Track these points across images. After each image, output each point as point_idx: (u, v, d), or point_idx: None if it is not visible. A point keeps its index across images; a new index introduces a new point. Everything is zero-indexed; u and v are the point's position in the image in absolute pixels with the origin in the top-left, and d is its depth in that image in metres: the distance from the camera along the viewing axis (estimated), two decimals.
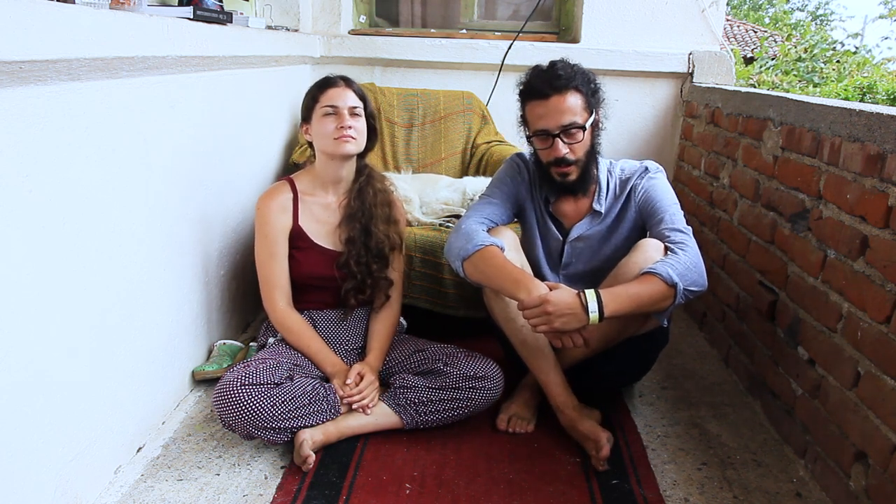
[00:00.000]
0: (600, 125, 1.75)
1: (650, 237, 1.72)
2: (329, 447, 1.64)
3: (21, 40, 1.07)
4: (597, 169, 1.80)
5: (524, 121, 1.74)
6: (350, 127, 1.70)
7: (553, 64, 1.67)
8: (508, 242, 1.74)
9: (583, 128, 1.65)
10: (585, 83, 1.67)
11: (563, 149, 1.66)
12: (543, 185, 1.81)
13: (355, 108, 1.73)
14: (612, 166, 1.83)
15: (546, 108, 1.64)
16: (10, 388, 1.16)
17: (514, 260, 1.72)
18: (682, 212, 1.74)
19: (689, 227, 1.68)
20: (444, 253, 1.79)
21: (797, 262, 1.74)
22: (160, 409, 1.74)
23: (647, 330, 1.75)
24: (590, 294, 1.52)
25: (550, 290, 1.56)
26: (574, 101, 1.64)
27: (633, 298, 1.54)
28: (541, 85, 1.65)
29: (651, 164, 1.82)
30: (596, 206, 1.78)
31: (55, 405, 1.29)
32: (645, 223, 1.77)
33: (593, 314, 1.51)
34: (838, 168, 1.56)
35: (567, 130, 1.64)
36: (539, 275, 1.82)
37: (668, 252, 1.62)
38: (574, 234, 1.81)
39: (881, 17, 21.59)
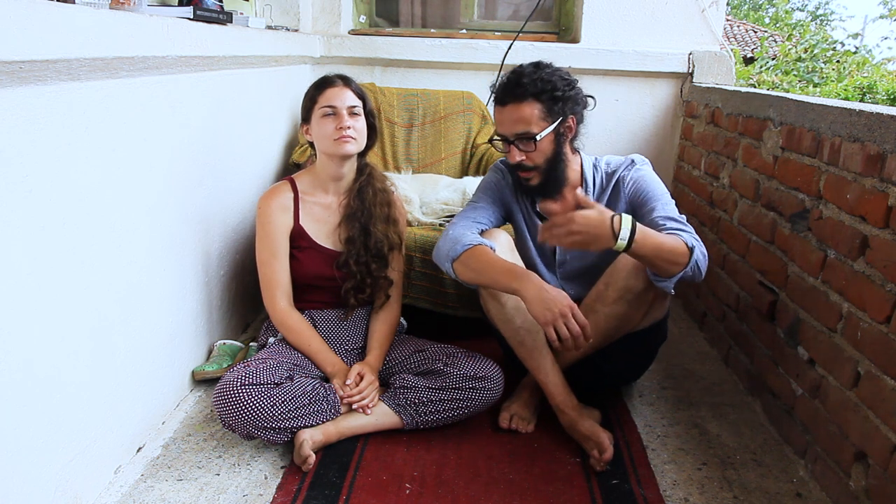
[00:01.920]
0: (571, 130, 1.71)
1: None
2: (329, 447, 1.64)
3: (21, 40, 1.07)
4: (581, 168, 1.79)
5: None
6: (349, 127, 1.70)
7: (520, 71, 1.66)
8: (502, 243, 1.74)
9: (534, 139, 1.64)
10: (548, 91, 1.63)
11: (517, 156, 1.67)
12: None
13: (354, 107, 1.73)
14: (598, 161, 1.83)
15: (502, 115, 1.67)
16: (10, 388, 1.16)
17: (510, 259, 1.72)
18: (673, 201, 1.72)
19: (683, 216, 1.67)
20: (433, 258, 1.78)
21: (797, 262, 1.74)
22: (160, 409, 1.74)
23: (645, 325, 1.75)
24: (625, 219, 1.45)
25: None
26: (529, 111, 1.63)
27: (658, 239, 1.49)
28: (501, 92, 1.67)
29: (637, 157, 1.81)
30: None
31: (55, 405, 1.29)
32: (635, 213, 1.75)
33: (622, 241, 1.44)
34: (838, 168, 1.56)
35: (521, 139, 1.65)
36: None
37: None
38: None
39: (881, 16, 21.59)
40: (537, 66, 1.67)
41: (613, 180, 1.78)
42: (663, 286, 1.63)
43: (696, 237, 1.59)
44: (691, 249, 1.52)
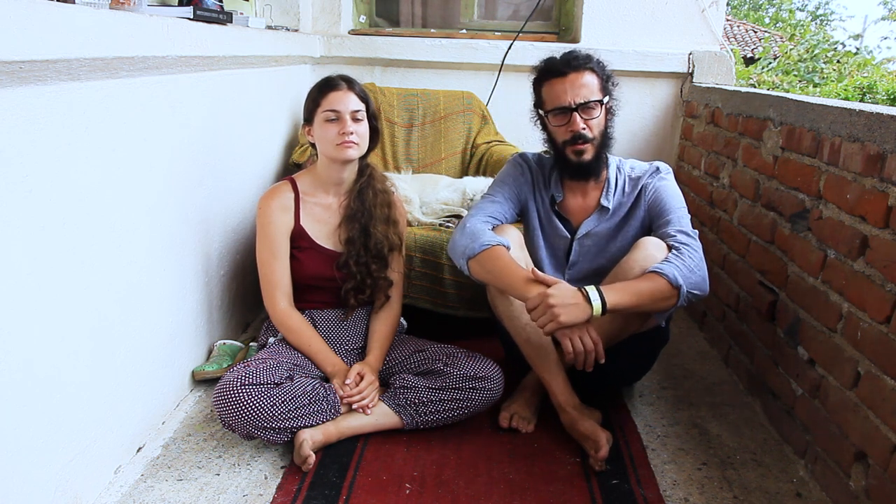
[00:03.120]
0: (613, 112, 1.77)
1: (654, 236, 1.72)
2: (329, 447, 1.64)
3: (21, 40, 1.07)
4: (606, 163, 1.81)
5: (539, 104, 1.77)
6: (352, 133, 1.70)
7: (570, 50, 1.74)
8: (514, 240, 1.75)
9: (601, 102, 1.69)
10: (601, 67, 1.73)
11: (580, 124, 1.69)
12: (559, 170, 1.82)
13: (357, 111, 1.72)
14: (622, 164, 1.84)
15: (564, 84, 1.69)
16: (10, 388, 1.16)
17: (519, 258, 1.73)
18: (689, 215, 1.75)
19: (696, 231, 1.69)
20: (447, 251, 1.80)
21: (797, 262, 1.74)
22: (160, 409, 1.74)
23: (647, 328, 1.75)
24: (590, 288, 1.55)
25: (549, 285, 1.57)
26: (591, 79, 1.69)
27: (634, 293, 1.55)
28: (559, 64, 1.71)
29: (662, 165, 1.83)
30: (604, 202, 1.79)
31: (55, 405, 1.29)
32: (651, 223, 1.77)
33: (596, 303, 1.52)
34: (838, 168, 1.56)
35: (584, 106, 1.68)
36: None
37: (673, 252, 1.62)
38: (583, 230, 1.81)
39: (883, 18, 21.58)
40: (575, 49, 1.75)
41: (639, 186, 1.80)
42: (657, 318, 1.68)
43: (694, 257, 1.60)
44: (678, 288, 1.55)
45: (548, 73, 1.72)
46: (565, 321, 1.52)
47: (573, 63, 1.69)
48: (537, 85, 1.76)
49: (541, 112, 1.76)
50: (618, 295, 1.54)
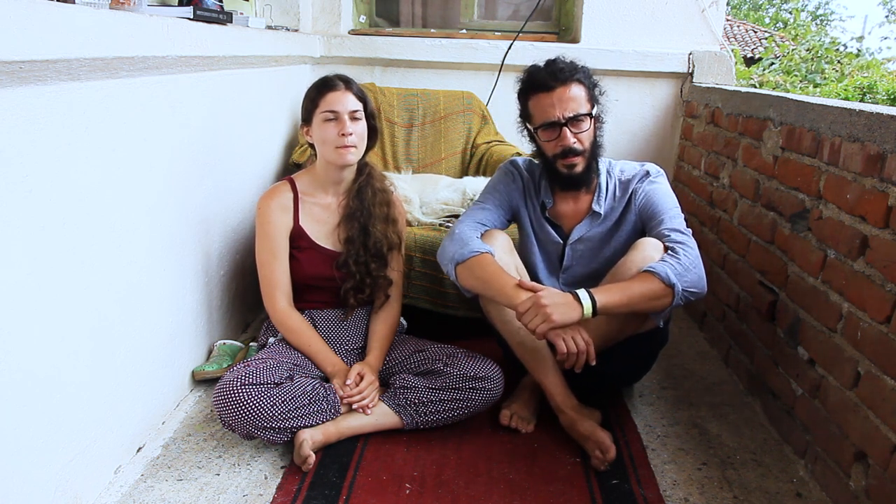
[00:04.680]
0: (602, 120, 1.76)
1: (650, 237, 1.72)
2: (329, 447, 1.64)
3: (21, 40, 1.07)
4: (597, 169, 1.80)
5: (526, 117, 1.75)
6: (351, 133, 1.69)
7: (553, 60, 1.70)
8: (502, 246, 1.74)
9: (590, 115, 1.67)
10: (586, 77, 1.70)
11: (571, 138, 1.67)
12: (549, 181, 1.80)
13: (355, 111, 1.72)
14: (612, 167, 1.83)
15: (551, 99, 1.66)
16: (10, 388, 1.16)
17: (508, 262, 1.73)
18: (682, 215, 1.74)
19: (690, 230, 1.69)
20: (437, 257, 1.79)
21: (797, 262, 1.74)
22: (160, 409, 1.74)
23: (646, 329, 1.75)
24: (580, 291, 1.55)
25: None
26: (578, 91, 1.66)
27: (626, 294, 1.55)
28: (545, 78, 1.67)
29: (652, 168, 1.81)
30: (595, 207, 1.78)
31: (55, 405, 1.29)
32: (644, 226, 1.77)
33: (586, 302, 1.53)
34: (838, 168, 1.56)
35: (574, 120, 1.66)
36: (536, 280, 1.81)
37: (668, 252, 1.62)
38: (575, 235, 1.81)
39: (886, 18, 21.59)
40: (560, 57, 1.70)
41: (629, 190, 1.79)
42: (654, 318, 1.66)
43: (689, 255, 1.60)
44: (672, 286, 1.55)
45: (533, 87, 1.69)
46: (558, 320, 1.52)
47: (559, 76, 1.65)
48: (523, 97, 1.74)
49: (529, 126, 1.75)
50: (608, 295, 1.55)
